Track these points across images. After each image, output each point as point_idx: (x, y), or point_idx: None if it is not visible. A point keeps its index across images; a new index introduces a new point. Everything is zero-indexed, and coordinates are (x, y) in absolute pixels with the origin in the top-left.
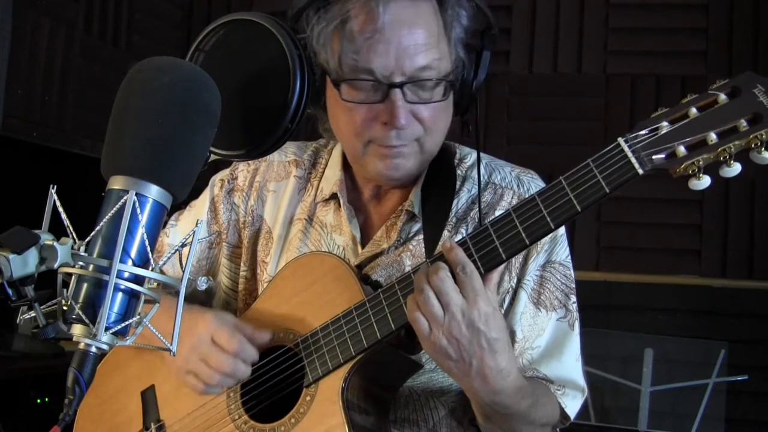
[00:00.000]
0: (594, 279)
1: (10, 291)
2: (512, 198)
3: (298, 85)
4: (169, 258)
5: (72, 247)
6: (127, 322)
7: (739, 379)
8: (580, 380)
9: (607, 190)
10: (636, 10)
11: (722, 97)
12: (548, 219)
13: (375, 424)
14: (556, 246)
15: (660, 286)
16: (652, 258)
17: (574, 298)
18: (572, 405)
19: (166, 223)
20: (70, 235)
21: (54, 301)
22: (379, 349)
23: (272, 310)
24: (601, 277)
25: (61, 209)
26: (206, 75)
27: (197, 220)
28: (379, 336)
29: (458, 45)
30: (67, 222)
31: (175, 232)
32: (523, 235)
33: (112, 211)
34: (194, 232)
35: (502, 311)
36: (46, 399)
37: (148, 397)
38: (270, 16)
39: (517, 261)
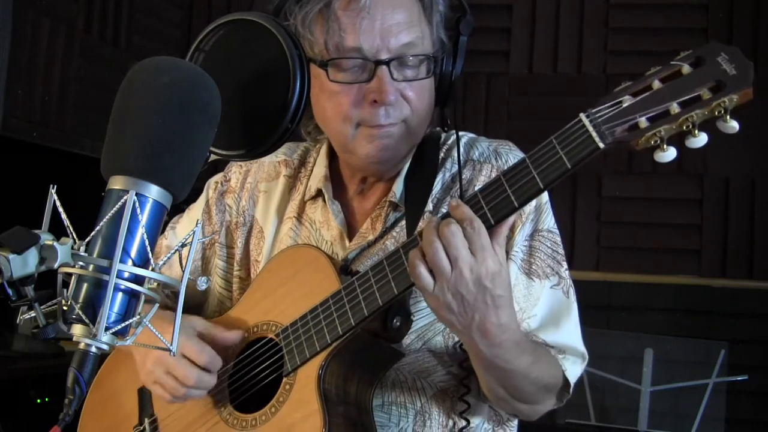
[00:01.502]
0: (594, 279)
1: (10, 291)
2: (491, 171)
3: (298, 85)
4: (168, 258)
5: (72, 247)
6: (127, 322)
7: (739, 379)
8: (580, 346)
9: (569, 166)
10: (636, 10)
11: (686, 67)
12: (512, 198)
13: (355, 411)
14: (542, 214)
15: (660, 286)
16: (652, 258)
17: (565, 265)
18: (573, 370)
19: (165, 226)
20: (70, 235)
21: (54, 301)
22: (356, 336)
23: (257, 302)
24: (601, 277)
25: (61, 209)
26: (206, 75)
27: (197, 221)
28: (353, 322)
29: (439, 27)
30: (67, 222)
31: (174, 235)
32: (489, 215)
33: (112, 211)
34: (194, 232)
35: None
36: (46, 399)
37: (144, 394)
38: (270, 16)
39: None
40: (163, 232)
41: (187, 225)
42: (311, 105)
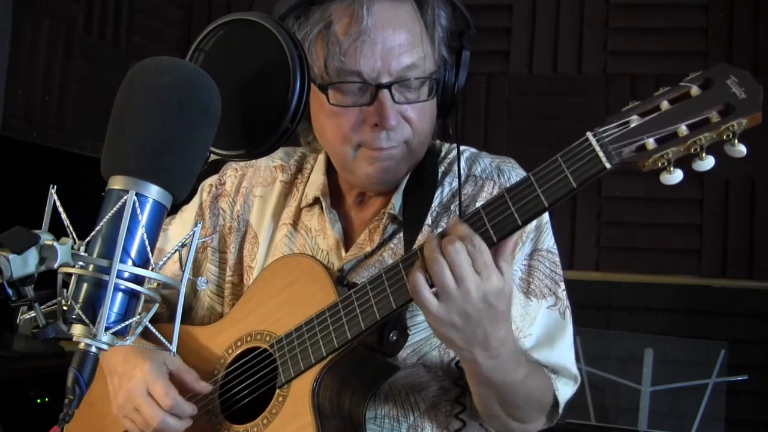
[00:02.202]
0: (594, 279)
1: (10, 291)
2: (493, 188)
3: (298, 85)
4: (168, 258)
5: (72, 247)
6: (127, 322)
7: (738, 379)
8: (573, 368)
9: (575, 185)
10: (636, 10)
11: (695, 89)
12: (516, 216)
13: (348, 425)
14: (542, 234)
15: (660, 286)
16: (652, 258)
17: (563, 286)
18: (564, 390)
19: None
20: (70, 235)
21: (54, 301)
22: (352, 349)
23: (252, 312)
24: (601, 277)
25: (61, 209)
26: (206, 75)
27: (196, 221)
28: (349, 336)
29: (441, 45)
30: (67, 222)
31: (165, 236)
32: (491, 232)
33: (112, 211)
34: (194, 233)
35: None
36: (46, 399)
37: None
38: (270, 16)
39: None
40: None
41: (179, 227)
42: (311, 117)
